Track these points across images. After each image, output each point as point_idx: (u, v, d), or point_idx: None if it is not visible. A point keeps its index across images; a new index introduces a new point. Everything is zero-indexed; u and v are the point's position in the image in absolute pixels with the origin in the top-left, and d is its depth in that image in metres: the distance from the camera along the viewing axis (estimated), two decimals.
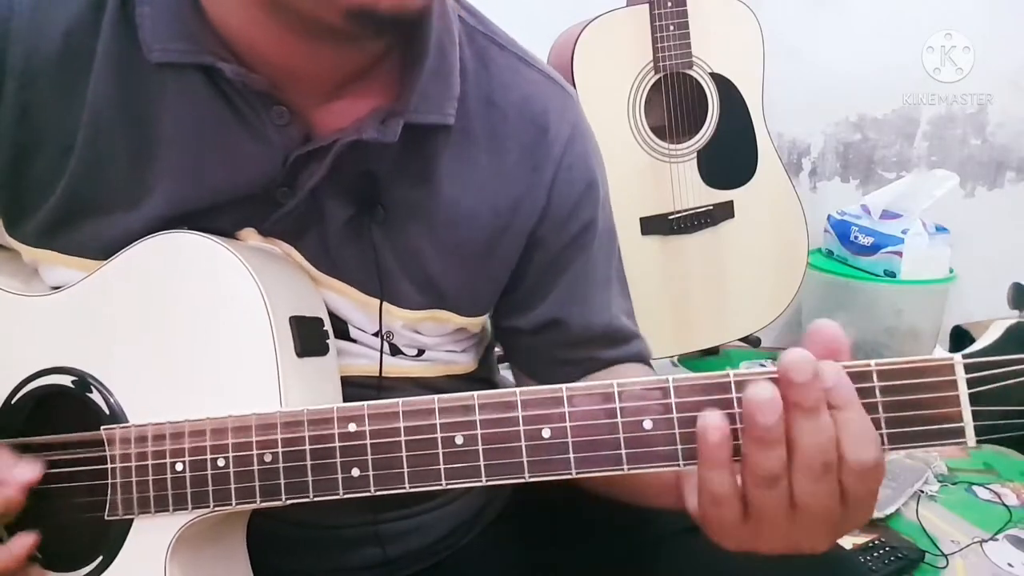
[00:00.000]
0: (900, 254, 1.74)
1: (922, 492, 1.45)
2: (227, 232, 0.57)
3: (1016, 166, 2.03)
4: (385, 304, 0.60)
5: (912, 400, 0.41)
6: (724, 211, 1.58)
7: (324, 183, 0.56)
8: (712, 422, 0.41)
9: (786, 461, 0.41)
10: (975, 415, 0.41)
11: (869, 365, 0.41)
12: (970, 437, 0.41)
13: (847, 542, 1.27)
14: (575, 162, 0.62)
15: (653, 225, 1.53)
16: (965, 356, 0.41)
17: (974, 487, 1.48)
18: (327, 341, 0.57)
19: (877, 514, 1.35)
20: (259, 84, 0.52)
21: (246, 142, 0.54)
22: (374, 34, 0.49)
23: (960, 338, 2.02)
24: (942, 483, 1.49)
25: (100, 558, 0.52)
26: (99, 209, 0.56)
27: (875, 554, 1.23)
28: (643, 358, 0.70)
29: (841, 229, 1.88)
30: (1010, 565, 1.26)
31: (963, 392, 0.41)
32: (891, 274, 1.76)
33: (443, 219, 0.59)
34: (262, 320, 0.51)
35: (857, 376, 0.41)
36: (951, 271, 1.79)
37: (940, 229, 1.79)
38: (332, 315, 0.60)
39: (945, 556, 1.28)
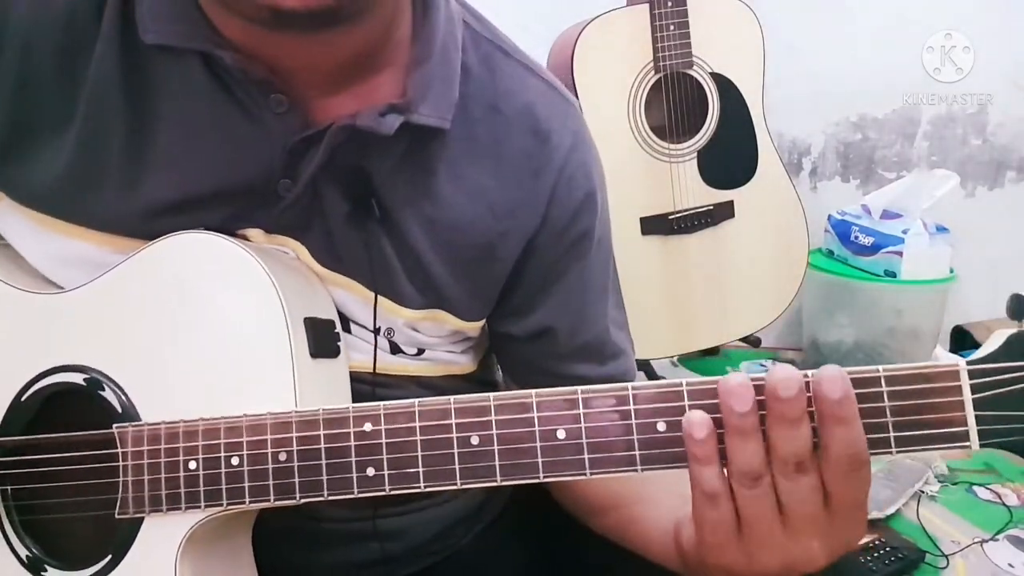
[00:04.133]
0: (900, 254, 1.74)
1: (922, 492, 1.45)
2: (232, 229, 0.57)
3: (1016, 166, 2.02)
4: (387, 302, 0.60)
5: (918, 405, 0.43)
6: (724, 211, 1.57)
7: (323, 174, 0.56)
8: (697, 419, 0.43)
9: (765, 457, 0.43)
10: (979, 420, 0.43)
11: (877, 371, 0.43)
12: (974, 441, 0.43)
13: None
14: (575, 172, 0.63)
15: (653, 225, 1.53)
16: (969, 363, 0.43)
17: (974, 487, 1.48)
18: (338, 344, 0.57)
19: (878, 514, 1.35)
20: (258, 72, 0.53)
21: (245, 129, 0.54)
22: (304, 28, 0.48)
23: (961, 338, 2.02)
24: (942, 483, 1.49)
25: (109, 557, 0.52)
26: (99, 186, 0.56)
27: (875, 554, 1.23)
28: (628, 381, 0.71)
29: (841, 229, 1.88)
30: (1011, 565, 1.26)
31: (967, 397, 0.43)
32: (891, 274, 1.76)
33: (443, 221, 0.59)
34: (278, 320, 0.52)
35: (865, 382, 0.43)
36: (951, 271, 1.79)
37: (940, 229, 1.79)
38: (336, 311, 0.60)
39: (945, 556, 1.28)
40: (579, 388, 0.47)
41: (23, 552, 0.54)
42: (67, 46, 0.54)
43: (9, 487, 0.55)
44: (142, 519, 0.52)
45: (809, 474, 0.43)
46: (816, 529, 0.44)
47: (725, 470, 0.44)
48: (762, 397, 0.43)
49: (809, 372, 0.43)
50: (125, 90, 0.54)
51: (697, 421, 0.43)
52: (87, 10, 0.54)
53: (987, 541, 1.32)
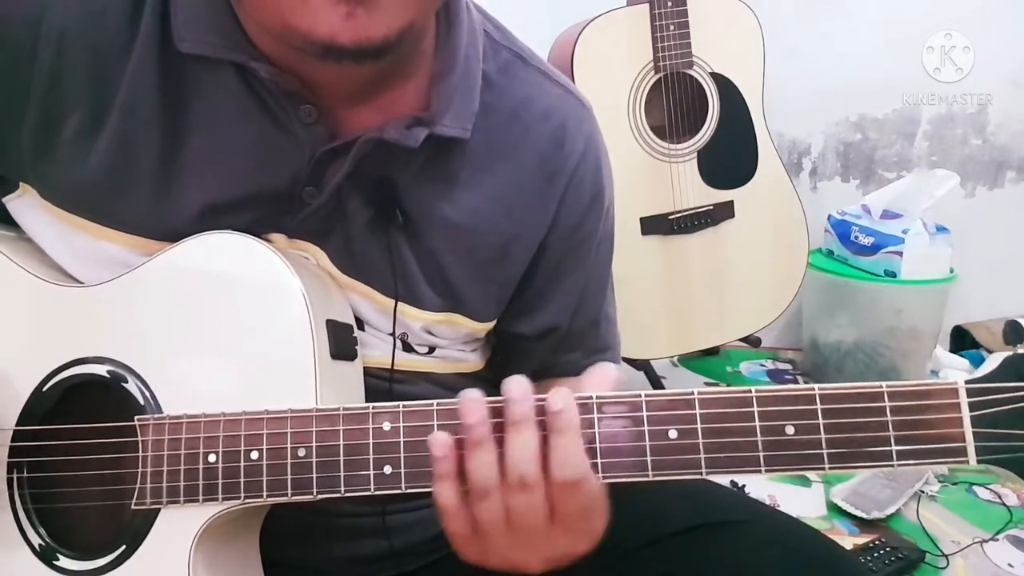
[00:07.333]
0: (900, 254, 1.74)
1: (922, 492, 1.45)
2: (256, 233, 0.58)
3: (1016, 166, 2.02)
4: (403, 305, 0.61)
5: (918, 420, 0.45)
6: (724, 211, 1.57)
7: (347, 182, 0.57)
8: (439, 439, 0.47)
9: (498, 472, 0.47)
10: (976, 436, 0.45)
11: (880, 387, 0.46)
12: (971, 457, 0.45)
13: (847, 542, 1.27)
14: (586, 175, 0.65)
15: (653, 225, 1.53)
16: (967, 382, 0.45)
17: (974, 487, 1.48)
18: (355, 347, 0.59)
19: (878, 514, 1.35)
20: (291, 84, 0.54)
21: (274, 138, 0.56)
22: (352, 61, 0.49)
23: (961, 338, 2.02)
24: (942, 483, 1.49)
25: (123, 547, 0.53)
26: (131, 189, 0.57)
27: (875, 554, 1.23)
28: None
29: (841, 229, 1.88)
30: (1010, 565, 1.26)
31: (965, 415, 0.45)
32: (891, 274, 1.76)
33: (462, 225, 0.61)
34: (302, 319, 0.53)
35: (869, 396, 0.46)
36: (951, 271, 1.79)
37: (940, 229, 1.79)
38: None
39: (946, 556, 1.28)
40: (593, 394, 0.48)
41: (36, 541, 0.55)
42: (101, 47, 0.55)
43: (25, 475, 0.55)
44: (158, 511, 0.52)
45: (535, 491, 0.47)
46: (537, 539, 0.48)
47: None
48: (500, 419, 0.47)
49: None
50: (161, 97, 0.56)
51: (439, 441, 0.47)
52: (122, 13, 0.55)
53: (987, 541, 1.32)
